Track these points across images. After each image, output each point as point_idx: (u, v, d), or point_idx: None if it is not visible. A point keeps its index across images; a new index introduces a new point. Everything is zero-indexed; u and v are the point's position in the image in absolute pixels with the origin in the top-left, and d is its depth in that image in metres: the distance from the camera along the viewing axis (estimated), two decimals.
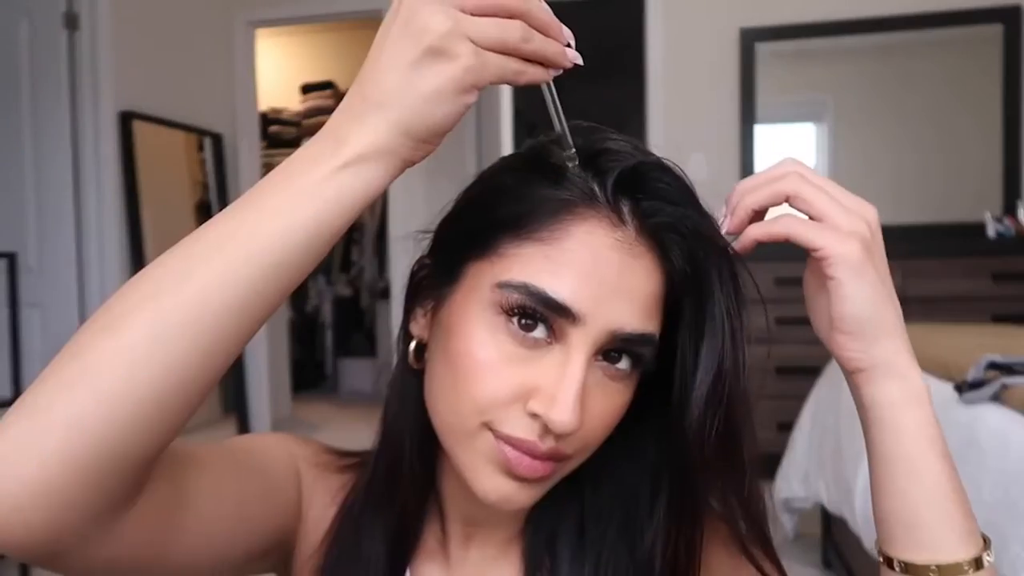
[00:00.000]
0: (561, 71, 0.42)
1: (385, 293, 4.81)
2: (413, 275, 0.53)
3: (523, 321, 0.45)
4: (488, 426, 0.45)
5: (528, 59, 0.40)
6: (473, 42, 0.37)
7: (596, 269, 0.44)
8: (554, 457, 0.45)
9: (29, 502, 0.35)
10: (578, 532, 0.53)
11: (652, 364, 0.48)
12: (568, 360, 0.44)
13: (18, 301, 2.24)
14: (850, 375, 0.45)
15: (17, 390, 2.19)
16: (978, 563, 0.41)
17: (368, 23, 4.14)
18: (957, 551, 0.41)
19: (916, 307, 2.74)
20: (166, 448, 0.39)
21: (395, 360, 0.55)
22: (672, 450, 0.49)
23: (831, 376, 2.12)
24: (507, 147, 3.05)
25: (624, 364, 0.47)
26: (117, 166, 3.21)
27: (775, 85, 3.37)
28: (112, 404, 0.35)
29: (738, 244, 0.46)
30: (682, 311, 0.48)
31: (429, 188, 3.65)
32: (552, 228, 0.45)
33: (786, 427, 2.30)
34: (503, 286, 0.45)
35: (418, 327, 0.52)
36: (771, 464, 2.26)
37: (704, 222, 0.47)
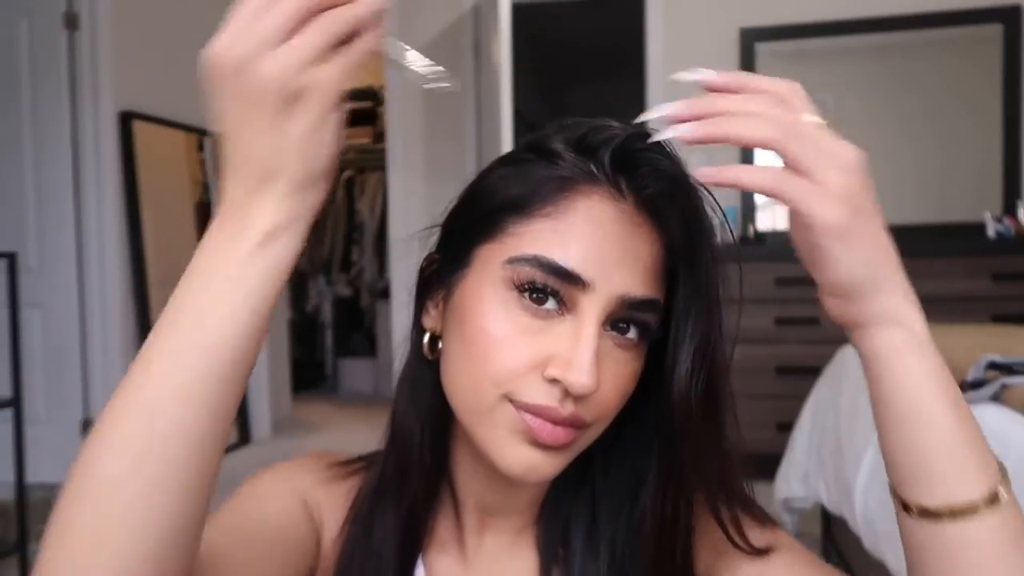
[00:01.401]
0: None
1: (385, 293, 4.81)
2: (422, 271, 0.55)
3: (534, 295, 0.46)
4: (508, 397, 0.46)
5: (352, 35, 0.39)
6: (305, 64, 0.37)
7: (601, 239, 0.46)
8: (574, 423, 0.46)
9: None
10: (590, 518, 0.54)
11: (657, 332, 0.49)
12: (581, 326, 0.46)
13: (18, 301, 2.24)
14: (851, 330, 0.43)
15: (17, 390, 2.18)
16: (994, 497, 0.40)
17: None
18: (971, 489, 0.40)
19: None
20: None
21: (403, 356, 0.56)
22: (662, 419, 0.51)
23: (831, 376, 2.12)
24: (507, 147, 3.05)
25: (632, 334, 0.48)
26: (117, 166, 3.21)
27: None
28: (127, 565, 0.35)
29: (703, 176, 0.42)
30: (677, 279, 0.50)
31: (429, 188, 3.66)
32: (556, 204, 0.47)
33: (786, 427, 2.30)
34: (514, 261, 0.46)
35: (430, 320, 0.53)
36: (771, 464, 2.26)
37: (693, 193, 0.49)
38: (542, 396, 0.46)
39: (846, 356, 2.14)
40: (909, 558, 0.44)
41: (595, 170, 0.48)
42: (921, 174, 3.28)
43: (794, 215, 0.40)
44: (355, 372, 5.20)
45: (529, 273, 0.46)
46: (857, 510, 1.63)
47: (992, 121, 3.20)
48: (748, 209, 3.35)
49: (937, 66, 3.30)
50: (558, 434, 0.46)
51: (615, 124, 0.49)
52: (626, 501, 0.53)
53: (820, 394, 2.13)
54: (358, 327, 5.32)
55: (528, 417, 0.46)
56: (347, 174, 5.03)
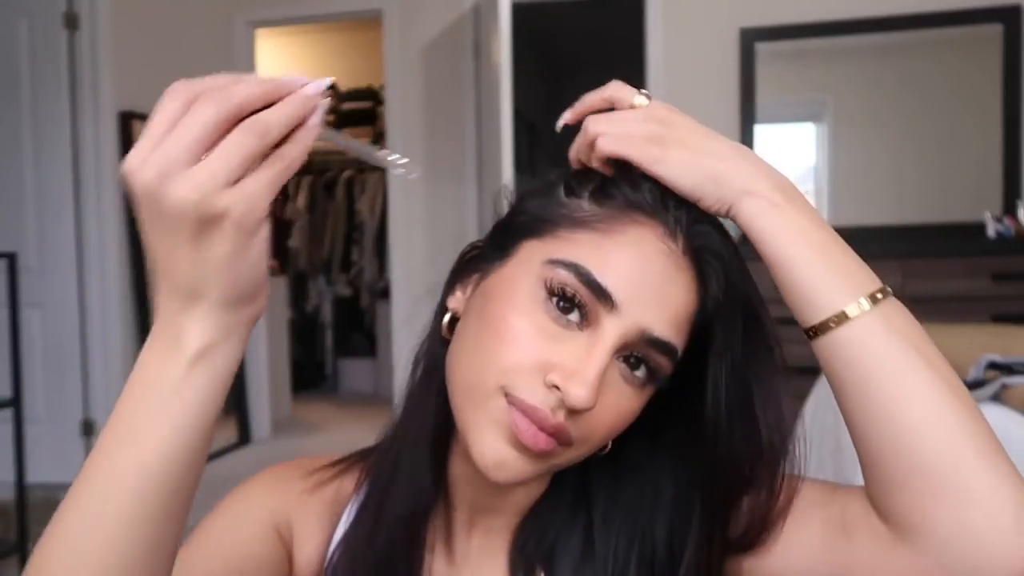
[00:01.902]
0: (325, 112, 0.40)
1: (385, 293, 4.81)
2: (463, 255, 0.55)
3: (562, 303, 0.47)
4: (505, 390, 0.47)
5: (283, 139, 0.37)
6: (225, 184, 0.35)
7: (641, 268, 0.47)
8: (558, 435, 0.46)
9: None
10: (583, 545, 0.55)
11: (666, 381, 0.50)
12: (596, 343, 0.46)
13: (18, 301, 2.24)
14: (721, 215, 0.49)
15: (17, 390, 2.18)
16: (872, 300, 0.45)
17: (368, 23, 4.15)
18: (843, 299, 0.45)
19: (916, 307, 2.70)
20: None
21: (423, 337, 0.57)
22: (700, 474, 0.52)
23: None
24: (507, 147, 3.04)
25: (641, 372, 0.49)
26: (117, 166, 3.20)
27: (775, 85, 3.37)
28: None
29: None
30: (712, 337, 0.50)
31: (429, 189, 3.65)
32: (610, 222, 0.48)
33: None
34: (554, 262, 0.47)
35: (455, 301, 0.54)
36: None
37: (744, 269, 0.51)
38: (537, 398, 0.46)
39: None
40: (829, 383, 0.48)
41: (660, 204, 0.49)
42: (921, 174, 3.28)
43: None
44: (355, 372, 5.20)
45: (565, 278, 0.47)
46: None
47: (992, 121, 3.20)
48: None
49: (937, 66, 3.30)
50: (539, 440, 0.46)
51: None
52: (630, 551, 0.54)
53: (820, 394, 2.12)
54: (358, 327, 5.32)
55: (516, 415, 0.46)
56: (347, 174, 5.03)
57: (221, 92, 0.36)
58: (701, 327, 0.50)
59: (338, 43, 5.30)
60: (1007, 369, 1.30)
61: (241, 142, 0.35)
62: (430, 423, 0.54)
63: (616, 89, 0.52)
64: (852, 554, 0.46)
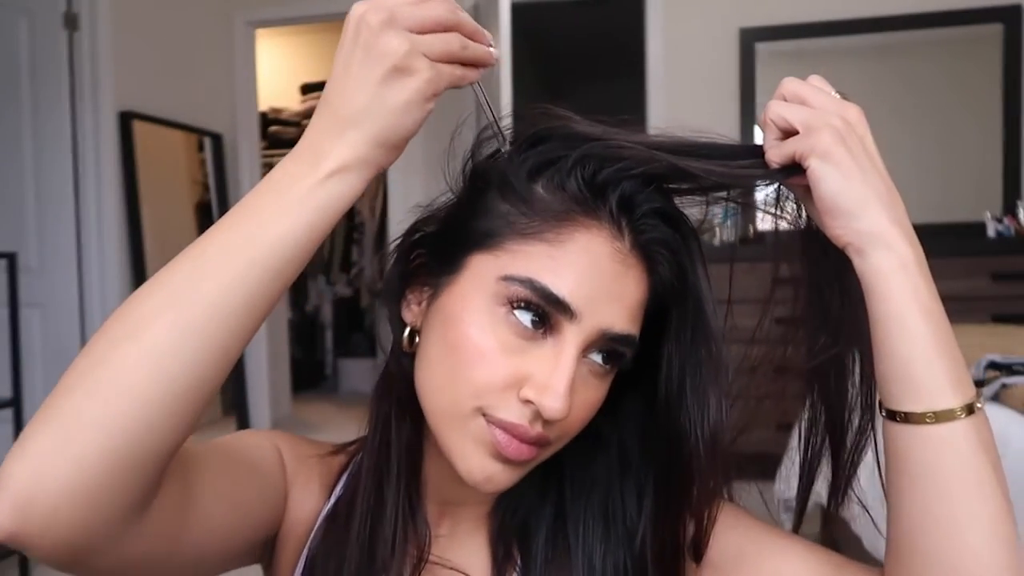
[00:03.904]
0: (488, 68, 0.48)
1: None
2: (409, 262, 0.56)
3: (523, 315, 0.48)
4: (482, 411, 0.48)
5: (465, 63, 0.46)
6: (427, 56, 0.43)
7: (594, 273, 0.48)
8: (539, 442, 0.48)
9: (67, 504, 0.37)
10: (553, 528, 0.56)
11: (629, 364, 0.51)
12: (561, 352, 0.47)
13: (18, 301, 2.24)
14: (845, 251, 0.48)
15: (17, 390, 2.18)
16: (970, 409, 0.45)
17: None
18: (950, 398, 0.45)
19: None
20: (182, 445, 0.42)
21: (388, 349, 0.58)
22: (653, 447, 0.54)
23: None
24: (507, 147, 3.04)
25: (606, 363, 0.51)
26: (117, 166, 3.21)
27: (775, 85, 3.35)
28: (143, 404, 0.39)
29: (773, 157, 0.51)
30: (668, 320, 0.52)
31: (429, 188, 3.66)
32: (557, 231, 0.48)
33: (786, 427, 2.30)
34: (508, 279, 0.48)
35: (411, 314, 0.55)
36: (771, 464, 2.26)
37: (692, 241, 0.52)
38: (514, 414, 0.47)
39: None
40: (893, 466, 0.47)
41: (600, 207, 0.49)
42: (921, 174, 3.28)
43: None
44: (355, 372, 5.20)
45: (522, 293, 0.47)
46: (857, 510, 1.64)
47: (992, 121, 3.20)
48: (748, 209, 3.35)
49: (937, 66, 3.30)
50: (523, 451, 0.48)
51: (628, 152, 0.49)
52: (601, 521, 0.56)
53: None
54: (358, 327, 5.32)
55: (498, 433, 0.47)
56: None
57: (453, 4, 0.45)
58: (655, 309, 0.52)
59: (338, 43, 5.29)
60: (1007, 369, 1.30)
61: (451, 40, 0.45)
62: (402, 435, 0.55)
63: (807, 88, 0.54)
64: None
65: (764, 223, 3.37)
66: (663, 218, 0.51)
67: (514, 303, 0.48)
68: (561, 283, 0.47)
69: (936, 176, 3.27)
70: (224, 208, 3.86)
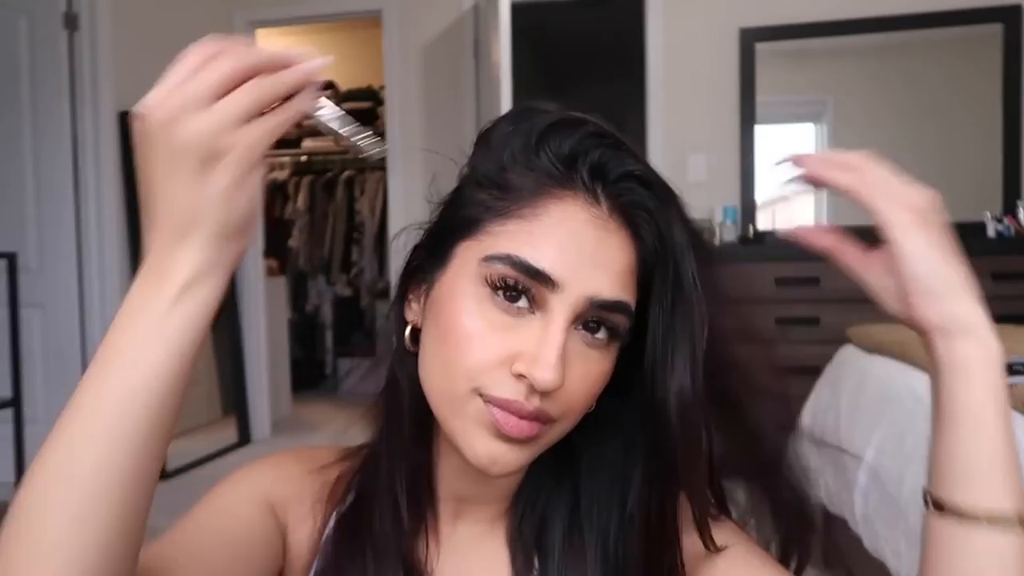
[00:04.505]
0: (322, 87, 0.44)
1: (385, 293, 4.81)
2: (408, 263, 0.56)
3: (507, 293, 0.48)
4: (478, 391, 0.48)
5: (288, 96, 0.42)
6: (234, 122, 0.40)
7: (573, 242, 0.48)
8: (540, 418, 0.48)
9: None
10: (569, 520, 0.56)
11: (627, 336, 0.51)
12: (549, 324, 0.47)
13: (18, 301, 2.24)
14: (929, 334, 0.47)
15: (17, 390, 2.18)
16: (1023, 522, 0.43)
17: (368, 23, 4.15)
18: (1010, 503, 0.44)
19: None
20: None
21: (391, 349, 0.58)
22: (647, 423, 0.52)
23: (831, 376, 2.12)
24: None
25: (602, 334, 0.50)
26: (117, 166, 3.21)
27: (775, 85, 3.37)
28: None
29: (802, 176, 0.51)
30: (653, 285, 0.52)
31: (429, 188, 3.65)
32: (533, 206, 0.49)
33: (787, 428, 2.30)
34: (489, 259, 0.48)
35: (412, 313, 0.56)
36: None
37: (669, 200, 0.51)
38: (509, 391, 0.47)
39: (846, 356, 2.14)
40: (930, 561, 0.46)
41: (572, 177, 0.49)
42: (921, 174, 3.21)
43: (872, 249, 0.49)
44: (355, 372, 5.20)
45: (503, 271, 0.48)
46: (857, 510, 1.64)
47: (992, 121, 3.20)
48: (748, 209, 3.35)
49: (937, 66, 3.30)
50: (523, 428, 0.47)
51: (590, 123, 0.50)
52: (616, 506, 0.55)
53: (820, 394, 2.12)
54: (358, 327, 5.32)
55: (495, 411, 0.47)
56: (347, 174, 5.03)
57: (240, 51, 0.41)
58: (646, 277, 0.52)
59: (338, 43, 5.30)
60: (1007, 369, 1.30)
61: (254, 91, 0.40)
62: (408, 431, 0.55)
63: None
64: None
65: (763, 224, 3.36)
66: (638, 181, 0.51)
67: (498, 283, 0.48)
68: (540, 255, 0.47)
69: (936, 176, 3.24)
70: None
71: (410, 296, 0.56)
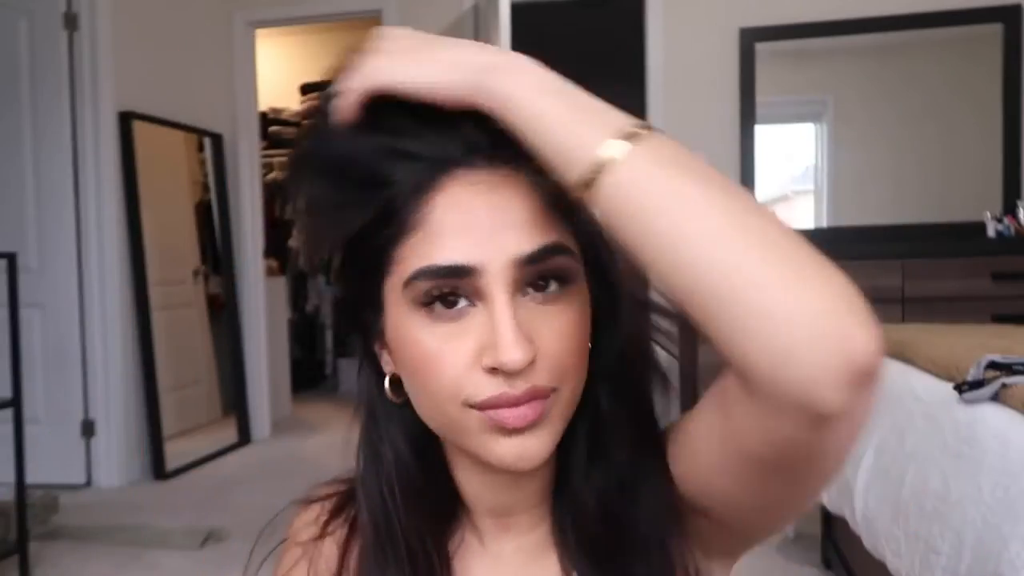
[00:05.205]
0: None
1: None
2: (359, 325, 0.55)
3: (443, 302, 0.47)
4: (467, 404, 0.47)
5: None
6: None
7: (469, 219, 0.46)
8: (536, 395, 0.46)
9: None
10: (601, 516, 0.53)
11: (581, 275, 0.49)
12: (491, 308, 0.46)
13: (18, 301, 2.24)
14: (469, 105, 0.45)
15: (17, 390, 2.18)
16: (631, 136, 0.40)
17: (368, 23, 4.15)
18: (589, 154, 0.41)
19: (916, 307, 2.73)
20: None
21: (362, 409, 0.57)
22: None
23: None
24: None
25: (553, 287, 0.48)
26: (117, 166, 3.21)
27: (775, 85, 3.37)
28: None
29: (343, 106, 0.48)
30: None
31: None
32: (419, 211, 0.47)
33: None
34: (407, 283, 0.47)
35: (386, 364, 0.54)
36: None
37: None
38: (491, 388, 0.46)
39: None
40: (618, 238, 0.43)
41: (440, 167, 0.47)
42: (921, 174, 3.28)
43: None
44: (355, 372, 5.19)
45: (423, 286, 0.46)
46: (857, 510, 1.64)
47: (992, 121, 3.20)
48: None
49: (937, 66, 3.30)
50: (525, 413, 0.46)
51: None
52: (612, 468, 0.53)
53: None
54: None
55: (491, 413, 0.46)
56: None
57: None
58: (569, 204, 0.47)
59: (338, 43, 5.29)
60: (1007, 369, 1.30)
61: None
62: (409, 467, 0.54)
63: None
64: (734, 430, 0.44)
65: None
66: (494, 129, 0.46)
67: (428, 299, 0.46)
68: (446, 252, 0.45)
69: (936, 176, 3.27)
70: (224, 207, 3.87)
71: (378, 350, 0.54)
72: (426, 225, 0.46)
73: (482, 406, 0.46)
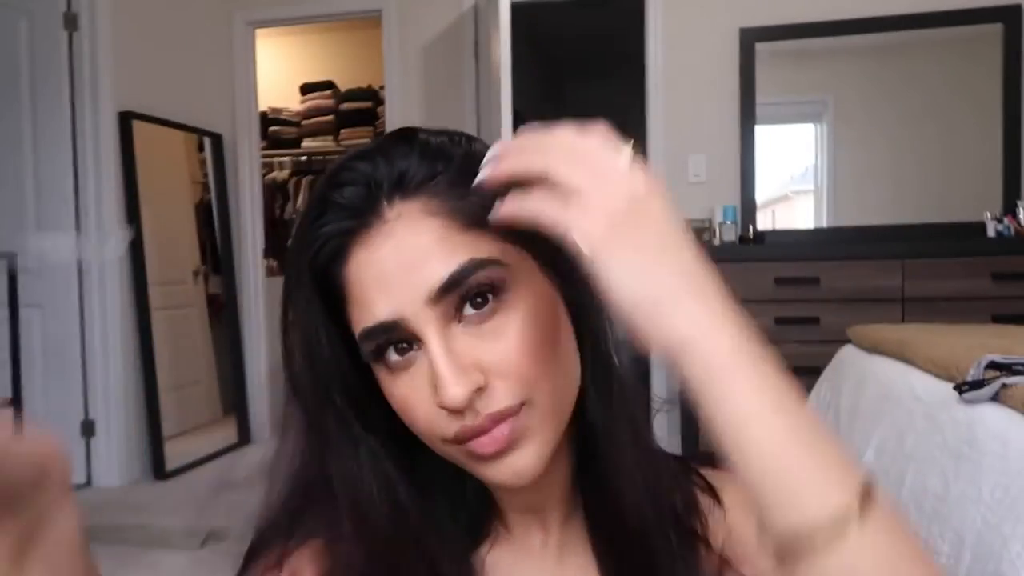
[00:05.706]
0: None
1: None
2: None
3: (394, 353, 0.47)
4: (444, 440, 0.47)
5: None
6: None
7: (381, 274, 0.46)
8: (500, 419, 0.45)
9: None
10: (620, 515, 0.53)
11: (520, 278, 0.47)
12: (428, 349, 0.45)
13: (18, 301, 2.24)
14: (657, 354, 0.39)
15: (17, 390, 2.18)
16: (867, 495, 0.35)
17: (368, 23, 4.14)
18: (834, 498, 0.35)
19: (916, 307, 2.73)
20: None
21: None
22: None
23: (831, 376, 2.12)
24: None
25: (488, 304, 0.46)
26: (117, 166, 3.21)
27: (775, 85, 3.37)
28: None
29: (493, 218, 0.42)
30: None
31: None
32: (345, 278, 0.47)
33: None
34: (361, 347, 0.48)
35: None
36: None
37: (410, 143, 0.49)
38: (454, 424, 0.46)
39: (845, 356, 2.14)
40: None
41: (337, 235, 0.47)
42: (921, 174, 3.28)
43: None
44: None
45: (369, 347, 0.47)
46: None
47: (992, 121, 3.20)
48: (748, 209, 3.35)
49: (937, 66, 3.30)
50: (496, 439, 0.45)
51: (361, 167, 0.48)
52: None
53: (820, 394, 2.12)
54: None
55: (464, 447, 0.46)
56: None
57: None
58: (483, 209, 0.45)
59: (338, 43, 5.30)
60: (1007, 369, 1.30)
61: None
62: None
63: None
64: None
65: (763, 224, 3.36)
66: (416, 163, 0.47)
67: (377, 354, 0.47)
68: (371, 311, 0.46)
69: (936, 176, 3.27)
70: (224, 207, 3.87)
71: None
72: (354, 291, 0.47)
73: (455, 440, 0.46)
